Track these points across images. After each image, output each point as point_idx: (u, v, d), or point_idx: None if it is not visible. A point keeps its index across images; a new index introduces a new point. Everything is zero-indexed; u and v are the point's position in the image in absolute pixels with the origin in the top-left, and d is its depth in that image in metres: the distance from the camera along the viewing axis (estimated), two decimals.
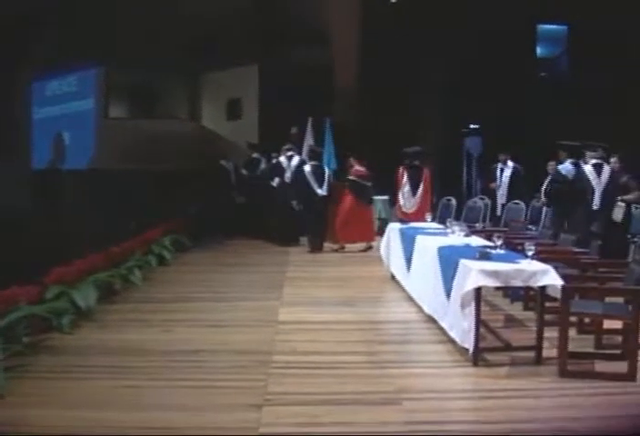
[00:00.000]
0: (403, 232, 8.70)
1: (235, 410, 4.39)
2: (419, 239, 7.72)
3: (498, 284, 5.67)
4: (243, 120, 17.60)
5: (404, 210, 11.39)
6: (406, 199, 11.41)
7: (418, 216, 10.55)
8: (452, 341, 5.84)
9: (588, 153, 9.39)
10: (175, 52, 15.84)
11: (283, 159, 13.44)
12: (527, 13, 15.46)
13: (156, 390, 4.80)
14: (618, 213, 9.53)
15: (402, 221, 10.26)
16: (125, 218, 12.70)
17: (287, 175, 13.20)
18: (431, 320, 6.70)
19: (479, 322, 5.39)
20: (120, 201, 14.33)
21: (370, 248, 12.02)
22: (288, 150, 13.49)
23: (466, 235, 7.62)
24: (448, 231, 8.02)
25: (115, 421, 4.20)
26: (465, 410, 4.59)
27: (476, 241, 7.31)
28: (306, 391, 4.72)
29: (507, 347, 5.85)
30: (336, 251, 12.26)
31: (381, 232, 11.35)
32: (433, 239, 7.46)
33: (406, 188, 11.40)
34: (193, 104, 18.78)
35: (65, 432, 4.04)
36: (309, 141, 15.02)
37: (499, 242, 6.33)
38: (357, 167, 12.29)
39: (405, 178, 11.41)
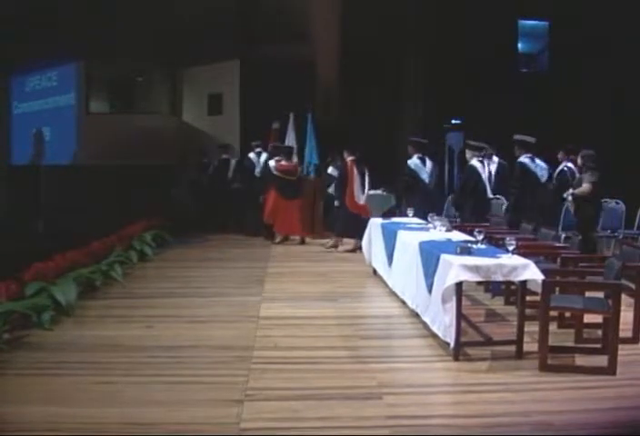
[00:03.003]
0: (384, 227, 8.71)
1: (215, 405, 4.37)
2: (400, 234, 7.73)
3: (479, 279, 5.69)
4: (224, 115, 17.53)
5: (356, 201, 11.73)
6: (359, 191, 11.76)
7: (367, 208, 11.74)
8: (434, 336, 5.85)
9: (472, 153, 10.41)
10: (156, 46, 15.77)
11: (252, 155, 14.19)
12: (509, 8, 15.48)
13: (136, 385, 4.78)
14: (570, 208, 9.74)
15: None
16: (108, 213, 12.69)
17: (257, 170, 13.92)
18: (413, 315, 6.71)
19: (460, 317, 5.40)
20: (101, 196, 14.30)
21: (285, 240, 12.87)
22: (257, 146, 14.20)
23: (448, 230, 7.64)
24: (429, 226, 8.05)
25: (94, 418, 4.18)
26: (446, 404, 4.61)
27: (457, 236, 7.33)
28: (287, 387, 4.71)
29: (488, 341, 5.86)
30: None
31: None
32: (414, 234, 7.48)
33: (357, 181, 11.74)
34: (174, 98, 18.69)
35: (44, 429, 4.01)
36: (291, 136, 15.00)
37: (480, 237, 6.35)
38: (284, 162, 12.95)
39: (355, 172, 11.70)
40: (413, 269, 6.73)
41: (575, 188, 9.52)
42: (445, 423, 4.16)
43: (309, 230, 13.27)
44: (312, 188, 13.90)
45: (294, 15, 15.50)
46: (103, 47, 15.38)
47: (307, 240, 12.90)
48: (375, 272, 9.09)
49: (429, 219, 8.32)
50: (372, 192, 12.39)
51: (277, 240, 12.96)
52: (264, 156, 13.96)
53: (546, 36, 17.05)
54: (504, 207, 10.11)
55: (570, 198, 9.55)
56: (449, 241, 6.78)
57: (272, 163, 13.08)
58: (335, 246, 12.00)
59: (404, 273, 7.28)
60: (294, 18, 15.45)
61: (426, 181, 10.95)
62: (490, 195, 10.26)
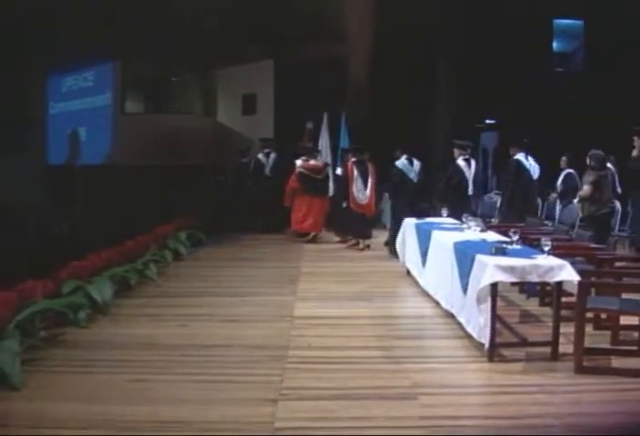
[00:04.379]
0: (418, 228, 8.68)
1: (250, 404, 4.38)
2: (435, 234, 7.70)
3: (514, 280, 5.65)
4: (258, 115, 17.60)
5: (357, 201, 11.97)
6: (359, 191, 11.98)
7: (370, 207, 12.09)
8: (469, 337, 5.82)
9: (458, 151, 10.99)
10: (190, 47, 15.86)
11: (261, 156, 14.76)
12: (543, 7, 15.37)
13: (169, 384, 4.81)
14: (579, 210, 9.77)
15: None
16: (141, 213, 12.77)
17: (267, 170, 14.57)
18: (447, 315, 6.69)
19: (495, 318, 5.37)
20: (135, 196, 14.39)
21: (315, 238, 12.99)
22: (265, 147, 14.77)
23: (482, 230, 7.60)
24: (464, 226, 8.01)
25: (127, 415, 4.21)
26: (480, 405, 4.59)
27: (492, 236, 7.28)
28: (322, 386, 4.71)
29: (523, 342, 5.82)
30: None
31: None
32: (449, 234, 7.44)
33: (358, 181, 11.96)
34: (208, 99, 18.79)
35: (78, 426, 4.06)
36: (324, 136, 15.02)
37: (515, 238, 6.31)
38: (312, 161, 13.15)
39: (356, 172, 11.94)
40: (447, 269, 6.70)
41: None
42: (480, 424, 4.15)
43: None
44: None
45: (327, 15, 15.50)
46: (138, 48, 15.50)
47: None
48: (408, 272, 9.07)
49: (464, 219, 8.29)
50: None
51: (290, 233, 13.42)
52: (272, 156, 14.60)
53: (581, 35, 16.92)
54: (498, 203, 10.88)
55: (576, 200, 9.58)
56: (484, 241, 6.74)
57: (299, 162, 13.27)
58: (349, 243, 12.31)
59: (438, 274, 7.26)
60: (327, 18, 15.45)
61: (414, 180, 11.18)
62: (470, 193, 10.88)
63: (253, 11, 15.67)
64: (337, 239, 12.83)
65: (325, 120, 15.08)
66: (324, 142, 14.92)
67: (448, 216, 9.31)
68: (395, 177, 11.31)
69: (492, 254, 5.69)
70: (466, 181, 10.85)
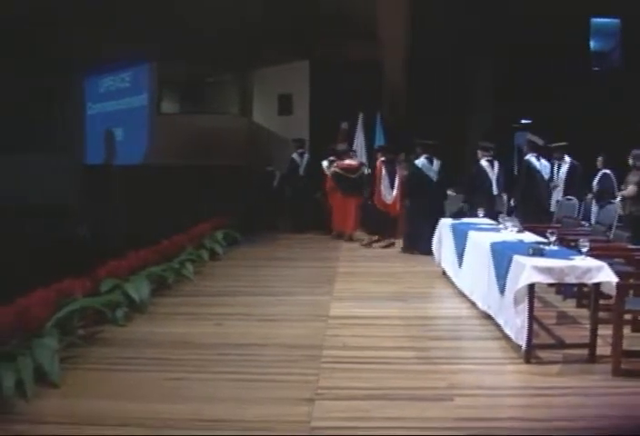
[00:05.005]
0: (454, 228, 8.65)
1: (286, 403, 4.40)
2: (471, 234, 7.67)
3: (552, 281, 5.61)
4: (294, 115, 17.63)
5: (383, 200, 12.26)
6: (386, 190, 12.27)
7: (395, 206, 12.25)
8: (506, 338, 5.78)
9: (482, 152, 11.28)
10: (226, 47, 15.93)
11: (295, 156, 14.82)
12: (580, 6, 15.21)
13: (205, 382, 4.84)
14: (619, 210, 9.66)
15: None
16: (177, 213, 12.87)
17: (301, 170, 14.69)
18: (484, 316, 6.65)
19: (532, 319, 5.34)
20: (171, 196, 14.50)
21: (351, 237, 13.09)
22: (299, 147, 14.85)
23: (519, 231, 7.55)
24: (500, 226, 7.97)
25: (163, 413, 4.25)
26: (517, 407, 4.55)
27: (529, 237, 7.23)
28: (357, 386, 4.72)
29: (560, 344, 5.78)
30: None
31: None
32: (485, 234, 7.41)
33: (386, 181, 12.25)
34: (244, 99, 18.86)
35: (116, 423, 4.10)
36: (360, 136, 15.02)
37: (553, 239, 6.27)
38: (347, 161, 13.39)
39: (384, 172, 12.19)
40: (484, 270, 6.66)
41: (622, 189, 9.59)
42: (516, 426, 4.12)
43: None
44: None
45: (362, 15, 15.48)
46: (174, 48, 15.60)
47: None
48: (444, 272, 9.04)
49: (500, 220, 8.25)
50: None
51: (333, 233, 13.51)
52: (306, 157, 14.75)
53: (618, 34, 16.70)
54: (511, 203, 11.14)
55: (618, 199, 9.48)
56: (521, 242, 6.69)
57: (325, 163, 13.82)
58: (372, 243, 12.39)
59: (474, 274, 7.22)
60: (362, 18, 15.43)
61: (434, 179, 11.39)
62: (495, 192, 11.13)
63: (289, 11, 15.71)
64: (365, 241, 12.68)
65: (361, 120, 15.07)
66: (359, 142, 14.93)
67: (473, 216, 9.43)
68: (413, 176, 11.55)
69: (529, 255, 5.65)
70: (490, 181, 11.10)
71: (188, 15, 14.97)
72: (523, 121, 16.54)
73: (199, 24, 15.07)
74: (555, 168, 12.03)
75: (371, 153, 14.72)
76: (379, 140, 14.78)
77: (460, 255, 7.98)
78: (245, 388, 4.70)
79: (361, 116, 15.03)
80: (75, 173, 17.79)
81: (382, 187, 12.20)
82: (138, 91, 18.05)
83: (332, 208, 13.53)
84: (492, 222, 8.85)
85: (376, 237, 12.43)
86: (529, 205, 10.82)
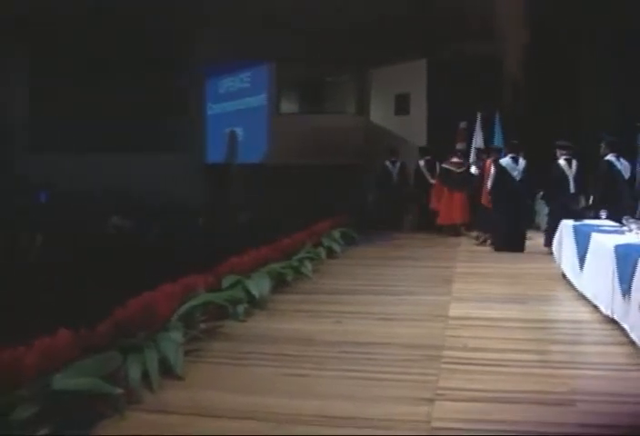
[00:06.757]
0: (576, 230, 8.47)
1: (406, 403, 4.38)
2: (594, 236, 7.50)
3: None
4: (411, 115, 17.59)
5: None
6: None
7: None
8: (631, 344, 5.59)
9: (559, 151, 11.29)
10: (344, 47, 16.05)
11: (388, 163, 15.51)
12: None
13: (327, 379, 4.87)
14: None
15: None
16: (296, 211, 13.06)
17: (394, 176, 15.42)
18: (606, 320, 6.46)
19: None
20: (290, 194, 14.73)
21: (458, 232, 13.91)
22: (392, 154, 15.53)
23: None
24: (625, 228, 7.76)
25: (287, 408, 4.29)
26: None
27: None
28: (477, 388, 4.65)
29: None
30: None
31: None
32: (609, 237, 7.22)
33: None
34: (361, 98, 18.94)
35: (240, 416, 4.19)
36: (478, 136, 14.88)
37: None
38: (455, 159, 14.22)
39: (492, 170, 12.19)
40: (607, 273, 6.50)
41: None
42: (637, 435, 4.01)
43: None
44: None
45: (480, 13, 15.34)
46: (294, 49, 15.84)
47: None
48: (563, 275, 8.87)
49: (624, 221, 8.04)
50: None
51: (443, 229, 14.13)
52: (398, 165, 15.47)
53: None
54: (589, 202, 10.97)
55: None
56: None
57: (421, 162, 14.94)
58: (485, 241, 12.54)
59: (597, 277, 7.04)
60: (480, 16, 15.29)
61: (516, 178, 11.70)
62: (573, 191, 11.16)
63: (406, 10, 15.70)
64: (480, 239, 12.84)
65: (479, 120, 14.92)
66: (477, 141, 14.78)
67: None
68: (497, 175, 11.81)
69: None
70: (567, 180, 11.14)
71: (308, 14, 15.18)
72: None
73: (317, 24, 15.26)
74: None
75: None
76: (497, 140, 14.59)
77: (582, 258, 7.79)
78: (365, 386, 4.71)
79: (479, 116, 14.87)
80: (195, 172, 18.32)
81: (489, 186, 12.24)
82: (257, 91, 18.41)
83: (437, 207, 14.15)
84: (615, 224, 8.63)
85: (488, 235, 12.45)
86: (609, 206, 10.30)
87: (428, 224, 14.48)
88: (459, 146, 14.74)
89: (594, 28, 15.01)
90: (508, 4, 15.55)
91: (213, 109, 20.10)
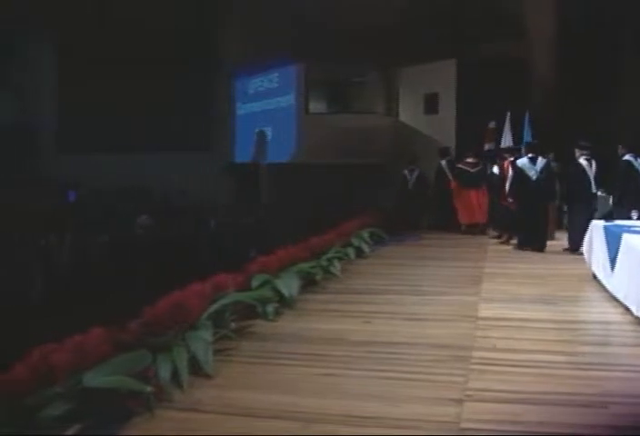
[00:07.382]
0: (607, 230, 8.40)
1: (435, 403, 4.38)
2: (626, 237, 7.43)
3: None
4: (440, 115, 17.55)
5: (509, 199, 12.43)
6: None
7: None
8: None
9: (580, 151, 11.34)
10: (373, 47, 16.04)
11: (406, 172, 15.64)
12: None
13: (355, 379, 4.87)
14: None
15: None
16: (324, 211, 13.07)
17: (410, 183, 15.52)
18: (638, 322, 6.40)
19: None
20: (318, 194, 14.75)
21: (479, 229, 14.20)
22: (411, 163, 15.72)
23: None
24: None
25: (315, 407, 4.31)
26: None
27: None
28: (507, 389, 4.63)
29: None
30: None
31: None
32: None
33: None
34: (390, 98, 18.92)
35: (269, 415, 4.21)
36: (507, 136, 14.79)
37: None
38: (470, 159, 14.40)
39: (511, 171, 12.32)
40: (639, 274, 6.46)
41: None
42: None
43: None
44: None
45: (510, 14, 15.27)
46: (322, 48, 15.85)
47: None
48: (594, 276, 8.79)
49: None
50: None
51: (463, 228, 14.46)
52: (416, 173, 15.53)
53: None
54: (610, 202, 11.39)
55: None
56: None
57: (443, 162, 15.18)
58: (507, 240, 12.67)
59: (628, 278, 6.98)
60: (510, 16, 15.22)
61: (533, 178, 11.62)
62: (594, 190, 11.25)
63: (435, 10, 15.67)
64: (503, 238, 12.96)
65: (508, 119, 14.83)
66: (506, 141, 14.69)
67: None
68: (515, 175, 11.87)
69: None
70: (589, 180, 11.19)
71: (336, 14, 15.19)
72: None
73: (346, 24, 15.26)
74: None
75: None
76: (527, 139, 14.50)
77: (613, 258, 7.73)
78: (394, 386, 4.71)
79: (508, 115, 14.78)
80: (223, 171, 18.39)
81: (507, 186, 12.35)
82: (286, 91, 18.45)
83: (457, 206, 14.47)
84: None
85: (509, 234, 12.59)
86: (627, 205, 10.70)
87: (449, 223, 14.68)
88: (487, 146, 14.70)
89: (628, 26, 14.90)
90: (536, 5, 15.46)
91: (242, 109, 20.17)
